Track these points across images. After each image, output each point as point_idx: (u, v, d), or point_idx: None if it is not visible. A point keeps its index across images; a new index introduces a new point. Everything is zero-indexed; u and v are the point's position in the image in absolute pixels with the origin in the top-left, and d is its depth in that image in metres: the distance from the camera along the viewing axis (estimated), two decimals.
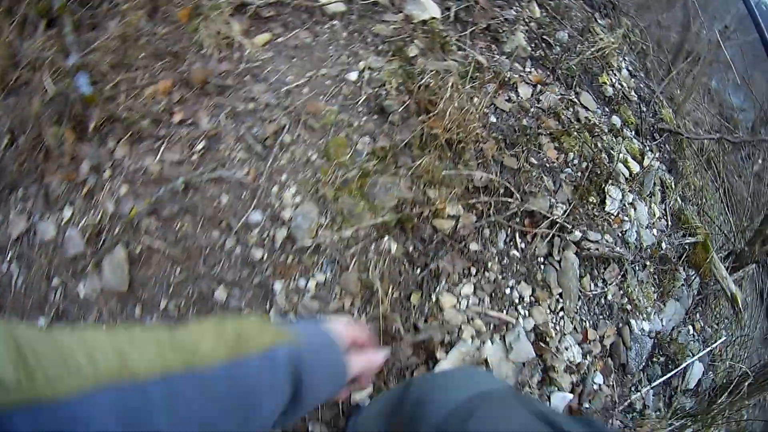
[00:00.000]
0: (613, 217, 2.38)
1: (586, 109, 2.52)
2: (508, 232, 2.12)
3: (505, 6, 2.62)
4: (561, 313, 2.20)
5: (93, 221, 1.89)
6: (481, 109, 2.14)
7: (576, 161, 2.34)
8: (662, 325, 2.57)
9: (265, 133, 1.93)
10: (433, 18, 2.30)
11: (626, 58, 3.03)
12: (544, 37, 2.60)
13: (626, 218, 2.48)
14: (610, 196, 2.39)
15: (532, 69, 2.47)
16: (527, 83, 2.39)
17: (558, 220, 2.19)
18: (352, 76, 2.05)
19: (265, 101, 1.98)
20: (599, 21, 3.10)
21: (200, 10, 2.13)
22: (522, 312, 2.12)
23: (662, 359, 2.57)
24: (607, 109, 2.66)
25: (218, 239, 1.84)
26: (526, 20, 2.60)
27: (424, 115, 2.02)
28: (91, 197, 1.92)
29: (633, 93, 2.86)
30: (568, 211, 2.23)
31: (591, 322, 2.30)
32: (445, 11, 2.41)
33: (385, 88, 2.05)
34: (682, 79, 3.78)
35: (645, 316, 2.47)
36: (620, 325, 2.37)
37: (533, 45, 2.56)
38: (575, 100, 2.50)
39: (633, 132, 2.67)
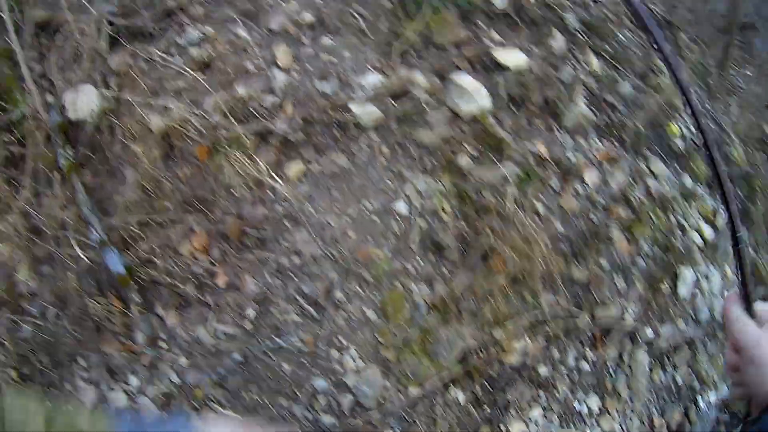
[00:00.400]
0: (686, 301, 2.11)
1: (656, 177, 2.11)
2: (578, 348, 1.91)
3: (558, 64, 2.10)
4: (629, 413, 2.05)
5: (161, 390, 1.80)
6: (546, 220, 1.81)
7: (648, 248, 2.01)
8: (728, 389, 2.40)
9: (316, 291, 1.69)
10: (482, 109, 1.86)
11: (690, 89, 2.47)
12: (606, 96, 2.11)
13: (698, 293, 2.20)
14: (682, 279, 2.09)
15: (598, 141, 2.03)
16: (594, 165, 1.98)
17: (629, 326, 1.95)
18: (401, 207, 1.73)
19: (310, 253, 1.71)
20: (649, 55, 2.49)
21: (219, 145, 1.78)
22: (589, 423, 1.99)
23: (726, 416, 2.45)
24: (677, 167, 2.23)
25: (287, 407, 1.72)
26: (584, 79, 2.10)
27: (484, 240, 1.72)
28: (154, 368, 1.79)
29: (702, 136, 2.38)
30: (639, 311, 1.97)
31: (658, 410, 2.16)
32: (494, 91, 1.94)
33: (438, 217, 1.73)
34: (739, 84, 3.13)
35: (712, 387, 2.30)
36: (687, 404, 2.22)
37: (595, 109, 2.09)
38: (644, 168, 2.09)
39: (705, 186, 2.26)
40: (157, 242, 1.77)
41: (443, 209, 1.71)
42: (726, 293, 2.33)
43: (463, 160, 1.78)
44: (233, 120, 1.79)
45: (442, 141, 1.78)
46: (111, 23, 2.04)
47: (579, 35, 2.27)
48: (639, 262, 1.97)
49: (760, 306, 0.56)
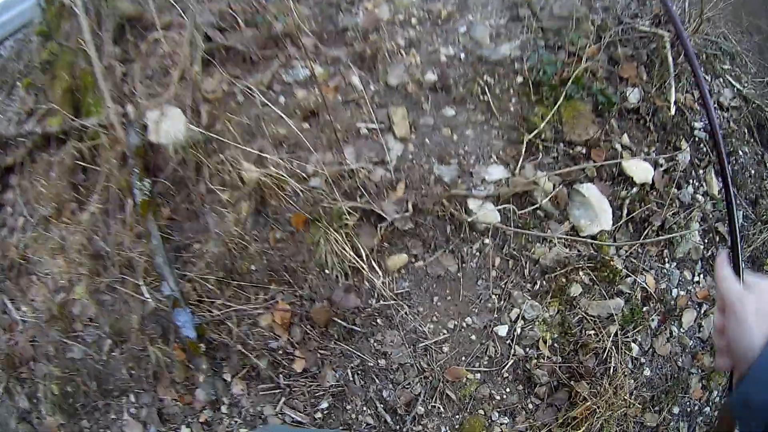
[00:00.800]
0: None
1: None
2: None
3: (681, 181, 1.85)
4: None
5: None
6: (638, 364, 1.65)
7: (717, 396, 1.90)
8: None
9: (397, 400, 1.53)
10: (603, 231, 1.63)
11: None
12: (718, 226, 1.89)
13: None
14: None
15: (701, 277, 1.84)
16: (692, 304, 1.80)
17: None
18: (502, 330, 1.53)
19: (399, 360, 1.53)
20: None
21: (317, 217, 1.52)
22: None
23: None
24: None
25: None
26: (702, 202, 1.86)
27: (576, 384, 1.56)
28: (209, 427, 1.65)
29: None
30: None
31: None
32: (617, 208, 1.70)
33: (536, 348, 1.55)
34: None
35: None
36: None
37: (706, 240, 1.87)
38: None
39: None
40: (235, 306, 1.57)
41: (543, 340, 1.54)
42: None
43: (575, 289, 1.58)
44: (336, 190, 1.53)
45: (557, 263, 1.57)
46: (208, 38, 1.69)
47: (704, 147, 2.01)
48: (705, 410, 1.86)
49: (748, 276, 0.57)
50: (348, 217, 1.50)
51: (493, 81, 1.78)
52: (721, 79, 2.31)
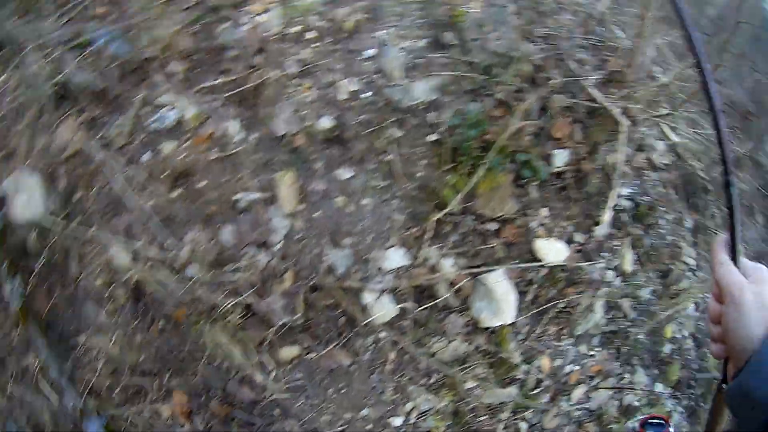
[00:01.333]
0: None
1: (633, 388, 1.94)
2: None
3: (594, 256, 1.71)
4: None
5: None
6: None
7: None
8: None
9: None
10: (504, 325, 1.52)
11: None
12: (623, 303, 1.80)
13: None
14: None
15: (598, 351, 1.79)
16: (584, 379, 1.77)
17: None
18: (397, 421, 1.45)
19: None
20: (687, 236, 2.09)
21: (196, 311, 1.33)
22: None
23: None
24: (656, 374, 2.03)
25: None
26: (611, 278, 1.76)
27: None
28: None
29: (690, 340, 2.15)
30: None
31: None
32: (523, 292, 1.58)
33: None
34: None
35: None
36: None
37: (609, 316, 1.80)
38: (627, 381, 1.90)
39: (670, 389, 2.13)
40: (132, 398, 1.43)
41: (437, 428, 1.49)
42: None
43: (469, 384, 1.51)
44: (214, 282, 1.34)
45: (455, 358, 1.48)
46: (59, 70, 1.31)
47: (625, 217, 1.87)
48: None
49: (745, 261, 0.52)
50: (230, 313, 1.34)
51: (400, 135, 1.53)
52: (656, 130, 2.11)
